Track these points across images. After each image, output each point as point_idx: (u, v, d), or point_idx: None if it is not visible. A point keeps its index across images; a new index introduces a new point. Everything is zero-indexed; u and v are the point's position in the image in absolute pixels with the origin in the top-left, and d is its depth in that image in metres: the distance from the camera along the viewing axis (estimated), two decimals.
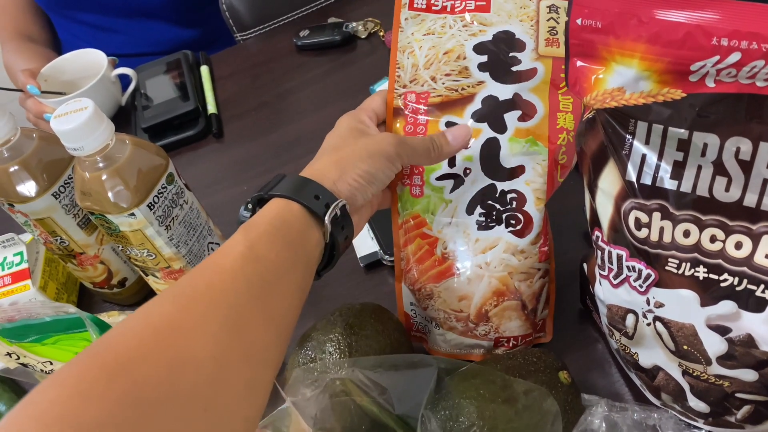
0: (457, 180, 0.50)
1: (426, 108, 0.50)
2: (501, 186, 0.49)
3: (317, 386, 0.44)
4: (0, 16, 1.16)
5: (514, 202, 0.49)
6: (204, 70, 0.92)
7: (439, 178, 0.50)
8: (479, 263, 0.50)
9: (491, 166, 0.49)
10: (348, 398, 0.44)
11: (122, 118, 0.90)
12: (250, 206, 0.44)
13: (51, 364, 0.50)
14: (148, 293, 0.65)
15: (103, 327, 0.40)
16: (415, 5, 0.51)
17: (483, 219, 0.50)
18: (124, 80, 0.91)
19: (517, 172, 0.49)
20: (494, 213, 0.50)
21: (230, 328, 0.34)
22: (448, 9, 0.50)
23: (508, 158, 0.48)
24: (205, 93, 0.89)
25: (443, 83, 0.49)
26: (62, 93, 0.86)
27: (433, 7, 0.51)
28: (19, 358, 0.51)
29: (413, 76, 0.50)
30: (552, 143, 0.48)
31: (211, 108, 0.86)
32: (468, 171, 0.49)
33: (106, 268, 0.63)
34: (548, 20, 0.47)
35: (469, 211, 0.50)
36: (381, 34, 0.90)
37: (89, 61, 0.88)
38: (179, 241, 0.56)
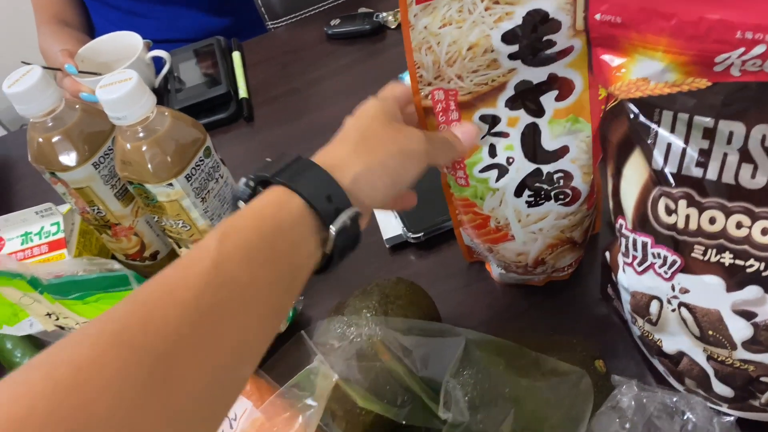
0: (501, 169, 0.50)
1: (456, 105, 0.48)
2: (546, 168, 0.50)
3: (345, 338, 0.45)
4: (37, 0, 1.18)
5: (561, 181, 0.50)
6: (236, 56, 0.94)
7: (482, 170, 0.51)
8: (532, 231, 0.53)
9: (534, 151, 0.49)
10: (374, 354, 0.45)
11: None
12: (251, 184, 0.38)
13: None
14: None
15: None
16: None
17: (532, 199, 0.51)
18: (158, 64, 0.93)
19: (561, 152, 0.49)
20: (542, 192, 0.51)
21: (155, 384, 0.27)
22: None
23: (550, 141, 0.49)
24: (237, 78, 0.90)
25: (471, 80, 0.47)
26: (98, 74, 0.88)
27: None
28: (58, 318, 0.52)
29: (437, 73, 0.47)
30: (595, 116, 0.48)
31: (243, 92, 0.88)
32: (511, 160, 0.50)
33: (139, 240, 0.65)
34: None
35: (517, 194, 0.51)
36: None
37: (125, 44, 0.90)
38: (213, 213, 0.58)
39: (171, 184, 0.53)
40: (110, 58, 0.91)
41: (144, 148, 0.52)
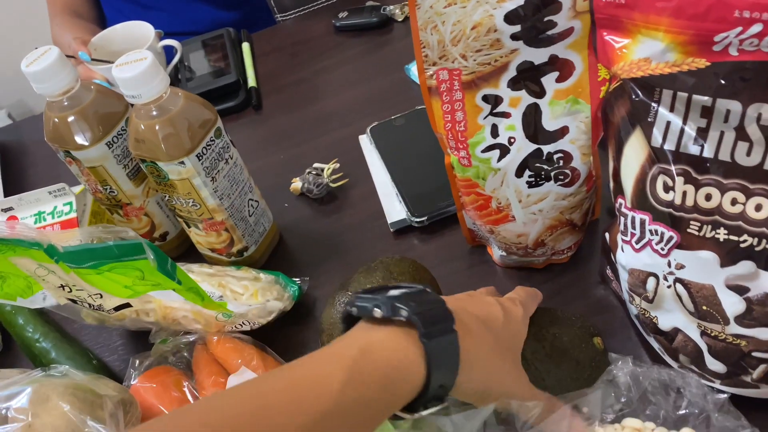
0: (503, 149, 0.51)
1: (460, 84, 0.50)
2: (547, 149, 0.51)
3: None
4: None
5: (561, 161, 0.52)
6: (245, 46, 0.95)
7: (484, 150, 0.52)
8: (533, 211, 0.54)
9: (535, 132, 0.51)
10: None
11: None
12: (382, 309, 0.39)
13: (101, 297, 0.53)
14: (188, 247, 0.69)
15: (158, 254, 0.43)
16: None
17: (532, 179, 0.53)
18: (169, 54, 0.95)
19: (561, 133, 0.51)
20: (542, 173, 0.52)
21: None
22: None
23: (550, 122, 0.50)
24: (246, 68, 0.92)
25: (474, 60, 0.48)
26: (111, 62, 0.90)
27: None
28: (71, 290, 0.54)
29: (441, 53, 0.48)
30: (594, 98, 0.50)
31: (251, 82, 0.90)
32: (512, 140, 0.51)
33: (149, 220, 0.66)
34: None
35: (518, 174, 0.52)
36: None
37: (136, 33, 0.92)
38: (223, 193, 0.59)
39: (182, 162, 0.55)
40: (122, 47, 0.93)
41: (157, 127, 0.54)
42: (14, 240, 0.47)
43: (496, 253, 0.62)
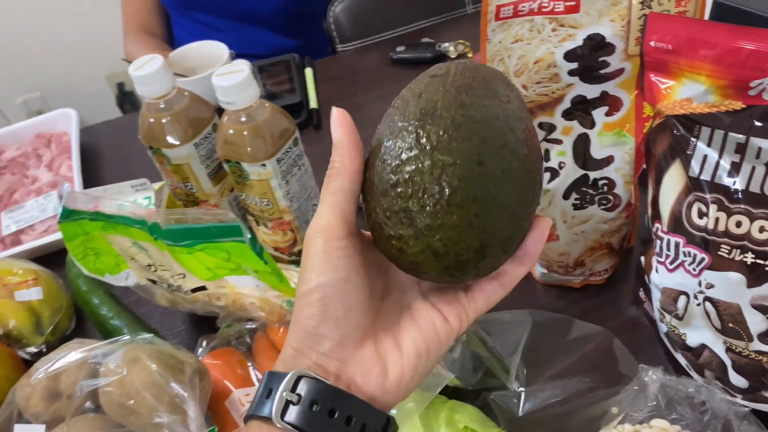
0: (553, 173, 0.57)
1: None
2: (593, 175, 0.57)
3: None
4: (126, 9, 1.31)
5: (605, 187, 0.57)
6: (308, 71, 1.03)
7: None
8: (576, 232, 0.60)
9: (583, 159, 0.56)
10: None
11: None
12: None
13: (183, 277, 0.60)
14: None
15: (252, 236, 0.49)
16: (501, 15, 0.52)
17: (578, 202, 0.58)
18: None
19: (607, 161, 0.56)
20: (588, 197, 0.58)
21: None
22: (536, 10, 0.51)
23: (598, 150, 0.56)
24: (308, 90, 1.00)
25: (534, 90, 0.55)
26: (185, 75, 0.98)
27: (520, 13, 0.51)
28: (156, 270, 0.60)
29: None
30: (638, 132, 0.55)
31: (313, 103, 0.97)
32: (562, 165, 0.57)
33: None
34: (640, 18, 0.50)
35: (565, 197, 0.58)
36: (470, 55, 1.00)
37: (211, 52, 1.01)
38: (293, 196, 0.65)
39: (264, 165, 0.61)
40: (196, 63, 1.01)
41: (245, 132, 0.61)
42: (120, 217, 0.54)
43: (537, 270, 0.67)
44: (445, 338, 0.36)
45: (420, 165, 0.32)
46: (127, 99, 2.26)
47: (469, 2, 1.13)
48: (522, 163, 0.33)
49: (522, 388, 0.51)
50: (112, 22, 2.01)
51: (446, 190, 0.31)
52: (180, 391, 0.51)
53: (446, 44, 1.01)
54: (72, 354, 0.55)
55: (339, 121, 0.37)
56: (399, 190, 0.32)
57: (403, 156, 0.32)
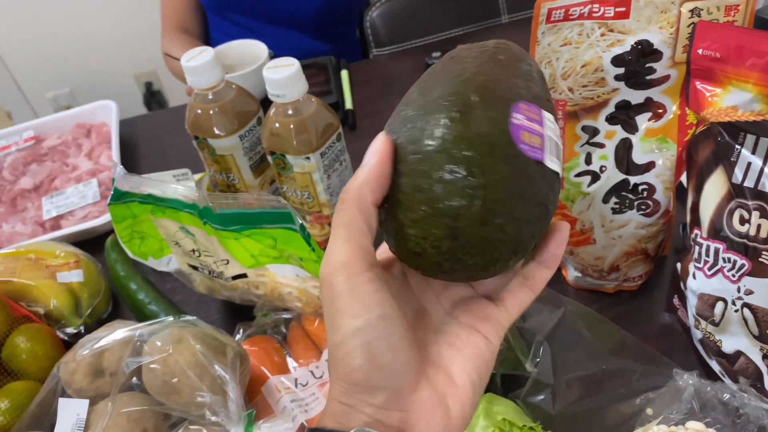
0: (594, 176, 0.58)
1: (563, 114, 0.58)
2: (633, 180, 0.57)
3: None
4: (165, 9, 1.33)
5: (645, 192, 0.58)
6: (344, 73, 1.05)
7: (577, 175, 0.59)
8: (613, 236, 0.60)
9: (625, 163, 0.57)
10: None
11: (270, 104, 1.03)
12: None
13: (226, 263, 0.61)
14: None
15: (303, 226, 0.50)
16: (552, 18, 0.53)
17: (617, 206, 0.59)
18: None
19: (648, 167, 0.57)
20: (627, 201, 0.59)
21: None
22: (586, 15, 0.52)
23: (639, 156, 0.57)
24: (344, 92, 1.01)
25: (580, 94, 0.56)
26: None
27: (571, 17, 0.52)
28: (200, 256, 0.62)
29: (551, 85, 0.56)
30: (681, 139, 0.56)
31: (348, 104, 0.99)
32: (604, 168, 0.58)
33: None
34: (689, 25, 0.50)
35: (605, 200, 0.59)
36: None
37: (250, 51, 1.03)
38: (333, 191, 0.67)
39: (308, 158, 0.63)
40: (235, 62, 1.03)
41: (291, 126, 0.62)
42: (171, 200, 0.55)
43: (571, 274, 0.68)
44: (491, 359, 0.34)
45: (453, 176, 0.30)
46: (154, 98, 2.30)
47: (504, 12, 1.15)
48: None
49: (533, 369, 0.52)
50: (143, 22, 2.07)
51: (478, 203, 0.30)
52: (222, 372, 0.52)
53: None
54: (117, 332, 0.56)
55: (380, 148, 0.33)
56: (431, 196, 0.31)
57: (439, 175, 0.30)
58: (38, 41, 2.09)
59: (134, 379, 0.54)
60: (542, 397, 0.52)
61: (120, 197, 0.57)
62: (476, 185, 0.30)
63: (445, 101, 0.32)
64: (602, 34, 0.53)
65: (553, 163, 0.33)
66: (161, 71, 2.23)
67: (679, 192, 0.66)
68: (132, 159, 1.00)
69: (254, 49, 1.03)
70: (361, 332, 0.29)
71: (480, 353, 0.33)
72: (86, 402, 0.54)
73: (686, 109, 0.55)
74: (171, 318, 0.56)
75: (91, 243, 0.83)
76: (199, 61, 0.64)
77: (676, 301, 0.63)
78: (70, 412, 0.53)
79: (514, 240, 0.32)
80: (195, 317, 0.56)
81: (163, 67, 1.34)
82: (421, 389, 0.31)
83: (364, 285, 0.30)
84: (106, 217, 0.83)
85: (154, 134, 1.06)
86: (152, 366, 0.52)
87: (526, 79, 0.34)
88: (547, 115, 0.34)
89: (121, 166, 0.56)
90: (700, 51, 0.50)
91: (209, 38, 1.37)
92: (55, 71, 2.16)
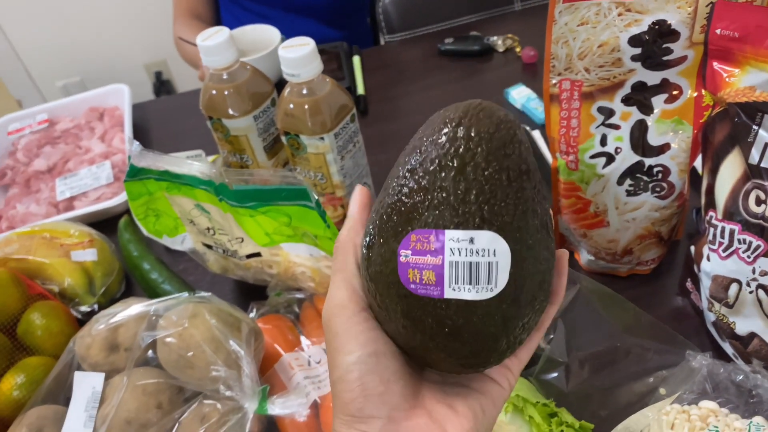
0: (609, 157, 0.58)
1: (579, 95, 0.58)
2: (648, 161, 0.57)
3: None
4: None
5: (660, 174, 0.58)
6: (356, 59, 1.05)
7: (592, 157, 0.59)
8: (627, 219, 0.60)
9: (639, 145, 0.57)
10: None
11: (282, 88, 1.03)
12: None
13: (241, 242, 0.61)
14: None
15: (318, 203, 0.50)
16: None
17: (632, 188, 0.59)
18: None
19: (663, 149, 0.57)
20: (641, 183, 0.58)
21: None
22: None
23: (655, 137, 0.56)
24: (356, 77, 1.01)
25: (596, 74, 0.55)
26: None
27: None
28: (215, 234, 0.62)
29: (567, 65, 0.56)
30: (696, 121, 0.56)
31: (360, 90, 0.99)
32: (619, 150, 0.58)
33: None
34: (707, 5, 0.50)
35: (620, 182, 0.59)
36: (518, 50, 1.01)
37: (263, 36, 1.03)
38: (347, 172, 0.67)
39: (322, 138, 0.63)
40: (248, 47, 1.03)
41: (306, 106, 0.62)
42: (188, 177, 0.55)
43: (583, 257, 0.68)
44: (499, 400, 0.34)
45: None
46: (164, 87, 2.30)
47: None
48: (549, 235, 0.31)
49: (546, 346, 0.52)
50: (153, 11, 2.07)
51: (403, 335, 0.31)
52: (237, 347, 0.53)
53: (494, 38, 1.02)
54: (132, 308, 0.56)
55: (358, 198, 0.36)
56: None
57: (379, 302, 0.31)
58: (49, 30, 2.10)
59: (149, 353, 0.54)
60: (555, 374, 0.52)
61: (136, 174, 0.58)
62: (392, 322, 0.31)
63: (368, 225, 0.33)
64: (619, 14, 0.52)
65: (463, 292, 0.29)
66: (171, 61, 2.23)
67: (692, 177, 0.66)
68: (144, 142, 0.99)
69: (267, 34, 1.03)
70: (355, 367, 0.31)
71: (484, 393, 0.34)
72: (102, 375, 0.55)
73: (703, 90, 0.54)
74: (186, 294, 0.56)
75: (105, 224, 0.83)
76: (215, 41, 0.64)
77: (689, 284, 0.63)
78: (86, 385, 0.54)
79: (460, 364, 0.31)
80: (210, 293, 0.57)
81: (173, 56, 1.35)
82: (417, 416, 0.32)
83: (358, 325, 0.32)
84: (119, 199, 0.83)
85: (165, 118, 1.07)
86: (168, 340, 0.53)
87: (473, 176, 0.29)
88: (458, 234, 0.29)
89: (138, 143, 0.56)
90: (718, 31, 0.50)
91: (221, 24, 1.37)
92: (66, 60, 2.17)
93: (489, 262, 0.29)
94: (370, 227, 0.32)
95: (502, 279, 0.29)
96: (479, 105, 0.31)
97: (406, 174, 0.31)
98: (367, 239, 0.32)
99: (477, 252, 0.29)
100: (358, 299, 0.33)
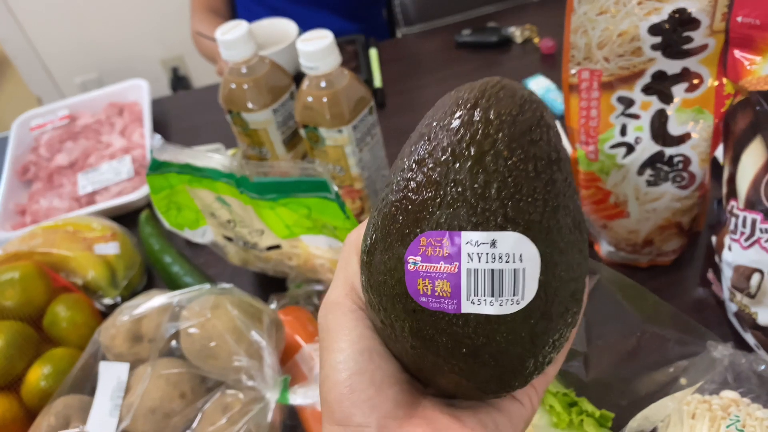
0: (629, 148, 0.58)
1: (599, 84, 0.57)
2: (669, 151, 0.57)
3: None
4: None
5: (681, 164, 0.57)
6: (373, 52, 1.05)
7: (612, 147, 0.58)
8: (647, 209, 0.60)
9: (660, 134, 0.57)
10: None
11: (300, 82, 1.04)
12: None
13: (261, 234, 0.62)
14: None
15: (338, 194, 0.51)
16: None
17: (652, 179, 0.59)
18: None
19: (683, 138, 0.56)
20: (662, 173, 0.58)
21: None
22: None
23: (675, 127, 0.56)
24: (373, 70, 1.02)
25: (616, 64, 0.55)
26: None
27: None
28: (235, 226, 0.63)
29: (587, 54, 0.56)
30: (717, 110, 0.55)
31: (377, 83, 0.99)
32: (639, 140, 0.57)
33: None
34: None
35: (640, 173, 0.58)
36: (536, 40, 1.00)
37: (280, 29, 1.03)
38: (365, 165, 0.67)
39: (341, 131, 0.63)
40: (265, 41, 1.04)
41: (324, 99, 0.63)
42: (209, 170, 0.56)
43: (603, 248, 0.68)
44: (518, 419, 0.29)
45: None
46: (180, 83, 2.32)
47: None
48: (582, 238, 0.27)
49: (580, 348, 0.52)
50: (170, 7, 2.08)
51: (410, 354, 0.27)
52: (258, 338, 0.53)
53: (512, 28, 1.02)
54: (155, 299, 0.57)
55: None
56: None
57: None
58: (67, 27, 2.12)
59: (173, 343, 0.55)
60: (575, 364, 0.52)
61: (158, 167, 0.58)
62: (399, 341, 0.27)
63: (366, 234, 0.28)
64: (639, 3, 0.52)
65: (484, 305, 0.24)
66: (188, 56, 2.25)
67: (713, 168, 0.65)
68: (164, 137, 1.01)
69: (284, 28, 1.03)
70: (342, 365, 0.27)
71: (503, 410, 0.29)
72: (127, 365, 0.55)
73: (723, 79, 0.54)
74: (208, 286, 0.57)
75: (126, 218, 0.84)
76: (234, 35, 0.65)
77: (710, 275, 0.62)
78: (111, 375, 0.55)
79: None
80: (232, 285, 0.57)
81: (190, 52, 1.36)
82: (413, 426, 0.27)
83: (350, 322, 0.28)
84: (140, 193, 0.84)
85: (183, 113, 1.08)
86: (191, 330, 0.53)
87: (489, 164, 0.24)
88: (476, 237, 0.24)
89: (160, 136, 0.57)
90: (739, 19, 0.50)
91: (237, 19, 1.38)
92: (83, 57, 2.20)
93: (514, 270, 0.24)
94: (371, 228, 0.27)
95: (529, 289, 0.24)
96: (498, 83, 0.25)
97: (413, 166, 0.25)
98: (367, 243, 0.27)
99: (500, 257, 0.24)
100: (356, 297, 0.29)
